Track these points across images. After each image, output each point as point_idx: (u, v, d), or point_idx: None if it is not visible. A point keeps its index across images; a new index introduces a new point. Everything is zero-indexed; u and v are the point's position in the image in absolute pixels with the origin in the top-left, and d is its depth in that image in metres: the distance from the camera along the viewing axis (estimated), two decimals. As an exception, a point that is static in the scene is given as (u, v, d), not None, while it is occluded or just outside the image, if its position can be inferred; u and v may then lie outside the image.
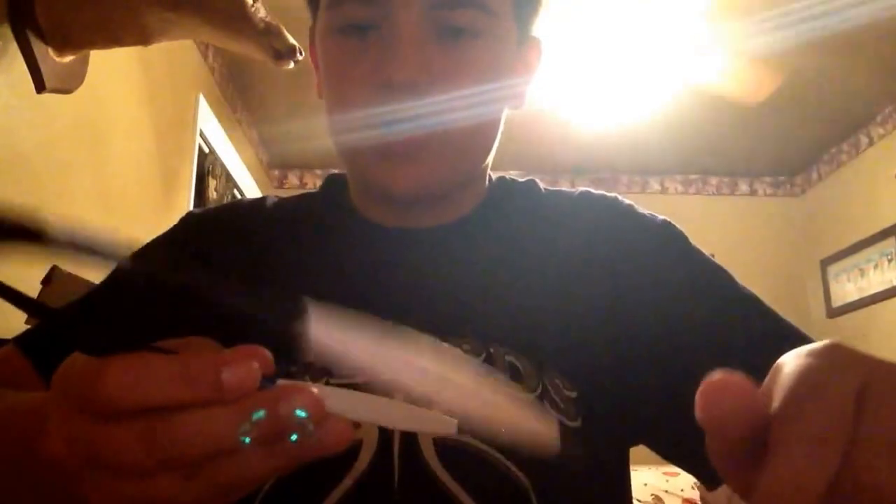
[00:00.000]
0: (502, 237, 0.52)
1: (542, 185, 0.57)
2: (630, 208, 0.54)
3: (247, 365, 0.22)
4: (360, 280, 0.49)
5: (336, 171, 0.59)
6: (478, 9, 0.46)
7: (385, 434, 0.40)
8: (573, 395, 0.44)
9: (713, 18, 2.16)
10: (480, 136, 0.49)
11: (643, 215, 0.53)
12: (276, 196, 0.58)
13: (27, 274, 1.16)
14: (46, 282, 1.13)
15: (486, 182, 0.55)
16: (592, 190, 0.56)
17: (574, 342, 0.46)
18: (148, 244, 0.54)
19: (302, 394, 0.22)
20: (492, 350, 0.44)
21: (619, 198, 0.55)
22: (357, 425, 0.38)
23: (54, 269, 1.20)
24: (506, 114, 0.52)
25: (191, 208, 2.12)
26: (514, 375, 0.43)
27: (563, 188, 0.57)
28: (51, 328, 0.48)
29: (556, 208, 0.54)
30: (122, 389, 0.22)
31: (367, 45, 0.46)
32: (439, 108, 0.45)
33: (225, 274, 0.50)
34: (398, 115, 0.44)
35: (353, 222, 0.53)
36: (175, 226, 0.55)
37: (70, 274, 1.19)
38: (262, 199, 0.57)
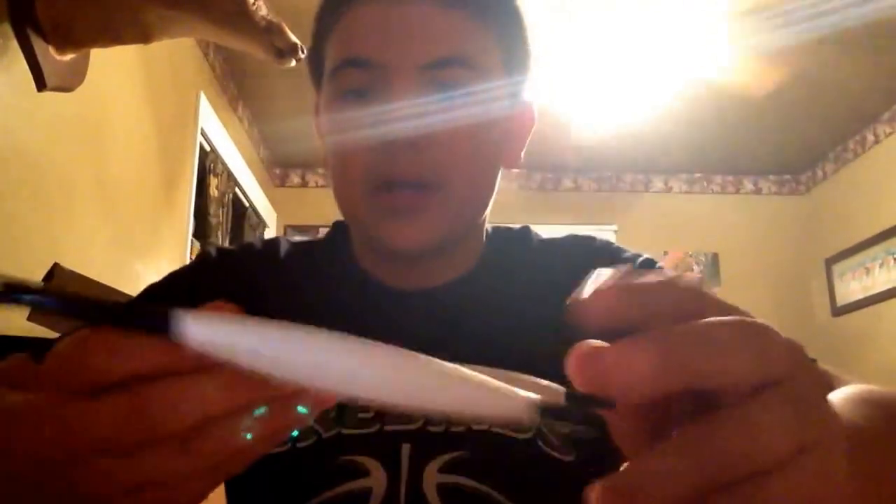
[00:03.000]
0: (500, 293, 0.54)
1: (534, 234, 0.59)
2: (617, 250, 0.57)
3: None
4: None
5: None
6: (466, 67, 0.49)
7: (393, 481, 0.43)
8: (566, 430, 0.46)
9: (719, 16, 2.15)
10: (477, 192, 0.52)
11: (628, 256, 0.56)
12: (289, 240, 0.60)
13: (28, 269, 1.15)
14: (48, 279, 1.13)
15: (484, 237, 0.58)
16: (578, 234, 0.59)
17: (566, 379, 0.47)
18: (167, 278, 0.56)
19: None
20: None
21: (604, 241, 0.58)
22: (368, 473, 0.42)
23: (56, 266, 1.20)
24: (501, 173, 0.55)
25: (192, 206, 2.12)
26: None
27: (553, 237, 0.59)
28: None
29: (547, 259, 0.56)
30: (107, 358, 0.22)
31: (367, 107, 0.49)
32: (439, 167, 0.48)
33: None
34: (399, 175, 0.47)
35: (356, 281, 0.55)
36: (192, 264, 0.57)
37: (71, 271, 1.19)
38: (276, 244, 0.59)
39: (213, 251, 0.58)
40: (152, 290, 0.55)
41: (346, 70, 0.49)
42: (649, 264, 0.55)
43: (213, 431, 0.22)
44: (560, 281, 0.55)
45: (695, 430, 0.19)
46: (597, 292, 0.22)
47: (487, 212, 0.56)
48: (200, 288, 0.54)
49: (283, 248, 0.58)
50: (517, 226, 0.60)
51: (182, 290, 0.54)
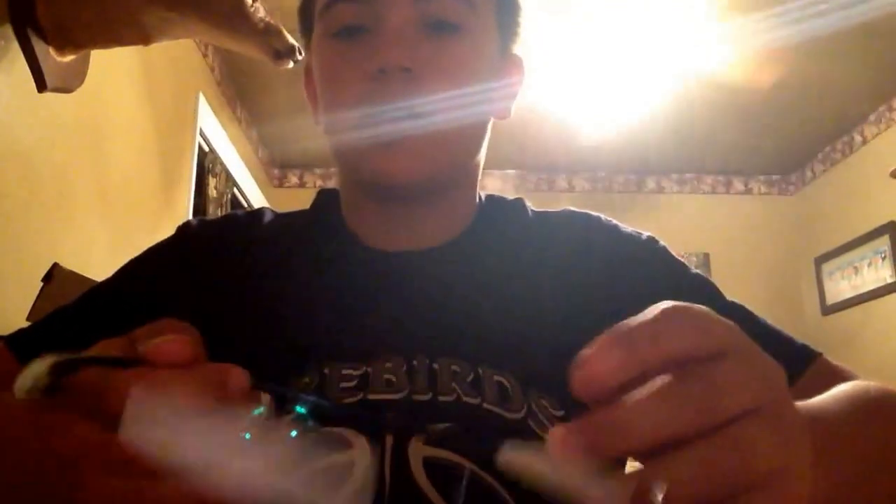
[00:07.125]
0: (493, 259, 0.52)
1: (529, 206, 0.58)
2: (615, 226, 0.56)
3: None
4: (352, 304, 0.49)
5: (331, 175, 0.59)
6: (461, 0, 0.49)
7: (378, 454, 0.41)
8: (560, 413, 0.45)
9: (709, 17, 2.18)
10: (469, 127, 0.51)
11: (628, 232, 0.55)
12: (273, 210, 0.59)
13: (27, 270, 1.17)
14: (47, 279, 1.14)
15: (476, 199, 0.56)
16: (574, 209, 0.58)
17: (561, 361, 0.46)
18: (145, 253, 0.55)
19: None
20: (480, 371, 0.45)
21: (602, 217, 0.57)
22: (351, 446, 0.41)
23: (55, 266, 1.22)
24: (491, 123, 0.54)
25: (191, 206, 2.13)
26: (503, 395, 0.45)
27: (548, 209, 0.58)
28: (43, 329, 0.49)
29: (543, 230, 0.55)
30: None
31: (360, 44, 0.48)
32: (431, 95, 0.47)
33: (216, 290, 0.51)
34: (393, 101, 0.46)
35: (345, 245, 0.54)
36: (172, 236, 0.56)
37: (71, 272, 1.20)
38: (260, 213, 0.58)
39: (193, 221, 0.57)
40: (132, 266, 0.53)
41: (337, 5, 0.49)
42: (651, 242, 0.54)
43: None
44: (557, 250, 0.53)
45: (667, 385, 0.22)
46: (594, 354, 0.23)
47: (480, 159, 0.54)
48: (184, 258, 0.53)
49: (267, 216, 0.57)
50: (511, 197, 0.59)
51: (165, 261, 0.53)
